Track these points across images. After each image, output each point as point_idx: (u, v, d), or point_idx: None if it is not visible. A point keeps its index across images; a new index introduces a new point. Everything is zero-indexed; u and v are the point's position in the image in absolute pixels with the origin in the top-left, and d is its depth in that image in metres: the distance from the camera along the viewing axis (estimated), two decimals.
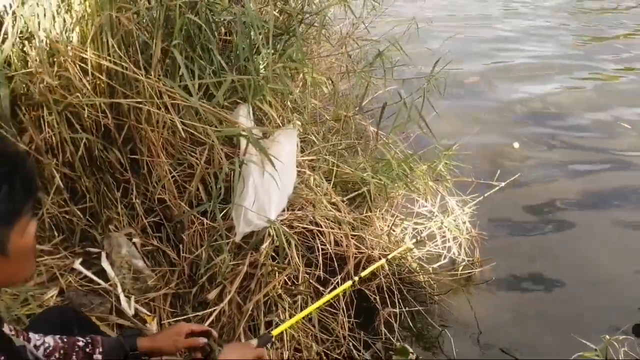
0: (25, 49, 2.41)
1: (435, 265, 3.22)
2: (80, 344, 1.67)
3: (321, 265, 2.59)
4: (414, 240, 3.09)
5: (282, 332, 2.41)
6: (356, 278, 2.42)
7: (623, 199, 4.16)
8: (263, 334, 2.01)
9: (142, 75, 2.33)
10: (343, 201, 2.87)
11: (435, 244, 3.28)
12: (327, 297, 2.28)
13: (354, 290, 2.74)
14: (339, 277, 2.64)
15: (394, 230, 3.13)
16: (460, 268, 3.26)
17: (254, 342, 1.86)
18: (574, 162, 4.69)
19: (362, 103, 3.06)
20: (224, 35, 2.72)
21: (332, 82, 3.11)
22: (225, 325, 2.42)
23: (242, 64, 2.57)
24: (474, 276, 3.30)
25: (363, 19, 3.42)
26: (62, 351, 1.61)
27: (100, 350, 1.69)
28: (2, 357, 1.15)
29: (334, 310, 2.64)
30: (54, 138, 2.42)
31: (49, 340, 1.60)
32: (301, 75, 2.83)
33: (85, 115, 2.42)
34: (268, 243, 2.44)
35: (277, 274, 2.42)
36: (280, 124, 2.74)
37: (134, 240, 2.57)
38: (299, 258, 2.49)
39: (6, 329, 1.34)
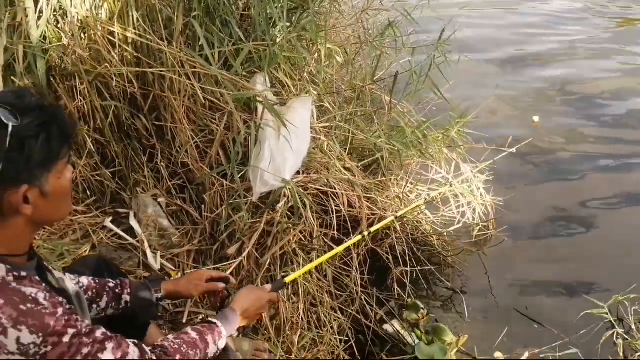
0: (59, 24, 2.60)
1: (450, 229, 3.34)
2: (111, 284, 1.84)
3: (335, 226, 2.72)
4: (426, 199, 3.20)
5: (297, 286, 2.59)
6: (366, 232, 2.56)
7: None
8: (277, 280, 2.19)
9: (165, 47, 2.51)
10: (358, 167, 3.01)
11: (449, 209, 3.40)
12: (340, 248, 2.43)
13: (367, 250, 2.88)
14: (353, 238, 2.79)
15: (408, 196, 3.26)
16: (475, 232, 3.38)
17: (268, 286, 2.03)
18: (589, 126, 4.78)
19: (375, 73, 3.17)
20: (243, 10, 2.87)
21: (347, 52, 3.23)
22: (244, 279, 2.59)
23: (260, 35, 2.72)
24: (488, 239, 3.41)
25: None
26: (94, 290, 1.78)
27: (128, 291, 1.87)
28: (60, 298, 1.30)
29: (348, 268, 2.79)
30: (85, 106, 2.62)
31: (83, 279, 1.77)
32: (316, 46, 2.96)
33: (114, 85, 2.62)
34: (283, 202, 2.60)
35: (292, 230, 2.57)
36: (297, 94, 2.89)
37: (160, 200, 2.76)
38: (313, 217, 2.63)
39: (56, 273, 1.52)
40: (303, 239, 2.66)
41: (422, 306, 2.86)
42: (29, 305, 1.21)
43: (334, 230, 2.72)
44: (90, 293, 1.77)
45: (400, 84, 3.30)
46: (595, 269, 3.27)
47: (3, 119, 1.18)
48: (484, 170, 3.54)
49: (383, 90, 3.42)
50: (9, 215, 1.26)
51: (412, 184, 3.29)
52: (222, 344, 1.70)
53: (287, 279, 2.15)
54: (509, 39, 6.51)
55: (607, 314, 2.84)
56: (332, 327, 2.64)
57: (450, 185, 3.33)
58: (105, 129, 2.70)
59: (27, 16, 2.42)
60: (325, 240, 2.72)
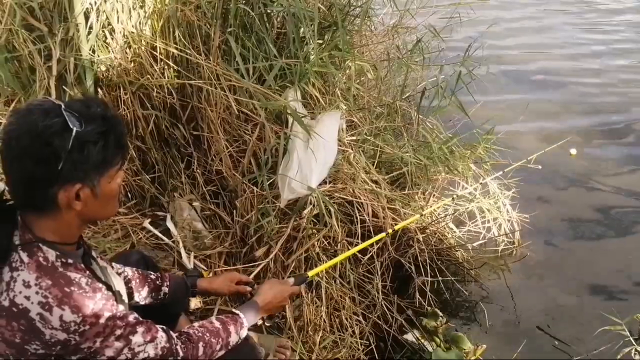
0: (107, 39, 2.81)
1: (474, 244, 3.41)
2: (152, 276, 2.02)
3: (359, 235, 2.83)
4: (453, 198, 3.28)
5: (320, 289, 2.71)
6: (390, 230, 2.67)
7: None
8: (300, 274, 2.30)
9: (203, 61, 2.70)
10: (384, 179, 3.12)
11: (475, 224, 3.47)
12: (362, 245, 2.54)
13: (391, 259, 2.99)
14: (376, 246, 2.90)
15: (434, 211, 3.35)
16: (500, 247, 3.44)
17: (291, 280, 2.16)
18: (622, 154, 4.73)
19: (403, 89, 3.29)
20: (279, 28, 3.04)
21: (376, 68, 3.36)
22: (268, 279, 2.74)
23: (293, 51, 2.87)
24: (512, 254, 3.47)
25: (410, 10, 3.62)
26: (137, 280, 1.95)
27: (167, 284, 2.05)
28: (100, 284, 1.45)
29: (370, 275, 2.90)
30: (128, 115, 2.81)
31: (128, 270, 1.94)
32: (347, 62, 3.10)
33: (155, 96, 2.81)
34: (309, 209, 2.73)
35: (316, 235, 2.71)
36: (327, 108, 3.03)
37: (195, 205, 2.93)
38: (337, 225, 2.75)
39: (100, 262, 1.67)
40: (327, 245, 2.79)
41: (441, 315, 2.94)
42: (72, 288, 1.36)
43: (358, 239, 2.82)
44: (134, 282, 1.93)
45: (429, 100, 3.41)
46: (617, 285, 3.30)
47: (69, 123, 1.33)
48: (510, 186, 3.60)
49: (412, 106, 3.53)
50: (62, 209, 1.40)
51: (437, 197, 3.38)
52: (243, 334, 1.82)
53: (310, 273, 2.26)
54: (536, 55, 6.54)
55: (625, 331, 2.86)
56: (353, 331, 2.74)
57: (475, 201, 3.40)
58: (146, 136, 2.90)
59: (78, 31, 2.63)
60: (349, 247, 2.82)
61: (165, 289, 2.04)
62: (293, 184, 2.70)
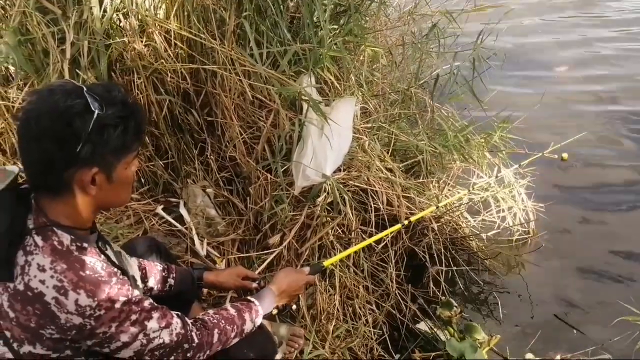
0: (121, 22, 2.78)
1: (489, 234, 3.38)
2: (159, 267, 2.01)
3: (374, 223, 2.81)
4: (469, 190, 3.25)
5: (334, 278, 2.69)
6: (406, 222, 2.64)
7: None
8: (315, 263, 2.28)
9: (217, 45, 2.66)
10: (399, 167, 3.09)
11: (489, 213, 3.44)
12: (378, 236, 2.52)
13: (405, 248, 2.97)
14: (390, 235, 2.87)
15: (447, 197, 3.32)
16: (515, 236, 3.41)
17: (306, 269, 2.15)
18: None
19: (418, 76, 3.25)
20: (293, 12, 3.00)
21: (391, 53, 3.32)
22: (284, 268, 2.72)
23: (308, 36, 2.83)
24: (527, 244, 3.44)
25: None
26: (144, 271, 1.94)
27: (174, 276, 2.04)
28: (115, 269, 1.44)
29: (384, 264, 2.88)
30: (142, 99, 2.78)
31: (134, 260, 1.91)
32: (362, 47, 3.06)
33: (169, 80, 2.78)
34: (323, 197, 2.71)
35: (330, 223, 2.68)
36: (342, 94, 3.00)
37: (208, 191, 2.91)
38: (352, 213, 2.73)
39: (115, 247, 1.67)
40: (341, 233, 2.77)
41: (455, 304, 2.92)
42: (87, 272, 1.35)
43: (372, 227, 2.81)
44: (140, 273, 1.91)
45: (444, 87, 3.37)
46: (635, 275, 3.26)
47: (91, 106, 1.32)
48: (525, 175, 3.57)
49: (426, 94, 3.49)
50: (76, 192, 1.39)
51: (452, 186, 3.34)
52: (258, 321, 1.81)
53: (326, 263, 2.25)
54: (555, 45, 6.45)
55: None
56: (366, 320, 2.73)
57: (490, 190, 3.36)
58: (159, 122, 2.87)
59: (92, 14, 2.59)
60: (364, 236, 2.81)
61: (171, 281, 2.03)
62: (307, 171, 2.67)
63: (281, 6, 2.72)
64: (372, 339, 2.70)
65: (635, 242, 3.50)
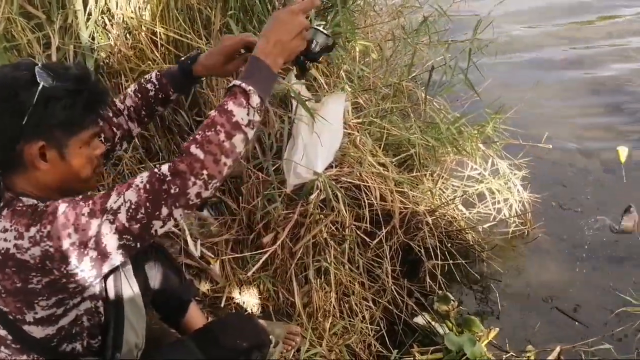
0: (106, 25, 2.77)
1: (485, 226, 3.37)
2: (151, 93, 1.79)
3: (367, 219, 2.80)
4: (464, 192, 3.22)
5: (329, 275, 2.67)
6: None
7: None
8: None
9: (204, 45, 2.64)
10: (392, 162, 3.07)
11: (485, 205, 3.42)
12: None
13: (400, 243, 2.95)
14: (385, 230, 2.86)
15: (443, 191, 3.31)
16: (511, 228, 3.39)
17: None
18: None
19: (410, 69, 3.23)
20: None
21: (381, 48, 3.30)
22: (278, 267, 2.71)
23: None
24: (524, 236, 3.42)
25: None
26: (144, 107, 1.81)
27: (172, 90, 1.80)
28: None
29: (380, 260, 2.87)
30: None
31: (127, 101, 1.81)
32: (351, 43, 3.04)
33: None
34: (316, 194, 2.69)
35: (323, 220, 2.67)
36: (332, 90, 2.98)
37: None
38: (345, 209, 2.71)
39: None
40: (335, 230, 2.75)
41: (452, 298, 2.91)
42: (41, 212, 1.32)
43: (366, 223, 2.79)
44: (143, 111, 1.81)
45: (436, 80, 3.35)
46: (633, 266, 3.24)
47: (38, 78, 1.32)
48: (521, 167, 3.55)
49: (418, 87, 3.47)
50: (29, 167, 1.38)
51: (446, 179, 3.33)
52: (255, 101, 1.38)
53: None
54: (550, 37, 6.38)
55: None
56: (363, 316, 2.72)
57: (484, 182, 3.35)
58: (149, 124, 2.84)
59: (77, 18, 2.58)
60: (358, 232, 2.80)
61: (173, 96, 1.81)
62: (299, 169, 2.65)
63: (267, 4, 2.69)
64: (369, 335, 2.69)
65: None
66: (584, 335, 2.81)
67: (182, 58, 1.87)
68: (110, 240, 1.31)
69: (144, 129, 1.98)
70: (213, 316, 2.55)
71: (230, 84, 1.40)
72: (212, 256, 2.75)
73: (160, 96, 1.80)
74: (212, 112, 1.38)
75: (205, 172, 1.32)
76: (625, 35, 6.22)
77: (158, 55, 2.72)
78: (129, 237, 1.32)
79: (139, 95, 1.81)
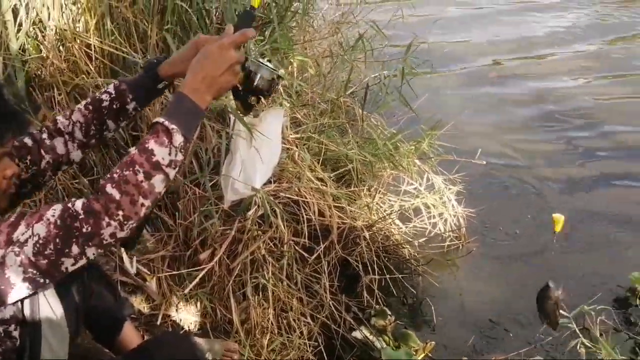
0: (38, 37, 2.70)
1: (421, 240, 3.42)
2: (106, 103, 1.65)
3: (306, 234, 2.80)
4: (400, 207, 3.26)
5: (267, 292, 2.66)
6: None
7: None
8: (242, 12, 1.65)
9: (140, 59, 2.61)
10: (330, 177, 3.09)
11: (421, 219, 3.48)
12: None
13: (338, 258, 2.96)
14: (323, 245, 2.87)
15: (380, 206, 3.35)
16: (446, 242, 3.46)
17: (230, 28, 1.54)
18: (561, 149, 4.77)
19: (347, 85, 3.27)
20: (218, 24, 2.97)
21: (318, 64, 3.33)
22: (216, 284, 2.68)
23: None
24: (459, 249, 3.49)
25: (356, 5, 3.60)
26: (94, 120, 1.67)
27: (131, 97, 1.68)
28: None
29: (318, 275, 2.87)
30: None
31: (76, 115, 1.66)
32: (289, 59, 3.06)
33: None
34: (254, 210, 2.68)
35: (261, 237, 2.66)
36: (270, 105, 2.98)
37: None
38: (283, 225, 2.71)
39: None
40: (273, 246, 2.74)
41: (389, 313, 2.93)
42: None
43: (304, 238, 2.80)
44: (93, 127, 1.69)
45: (373, 96, 3.40)
46: (564, 278, 3.31)
47: None
48: (455, 182, 3.63)
49: (356, 103, 3.52)
50: None
51: (383, 194, 3.37)
52: (177, 141, 1.33)
53: (254, 2, 1.60)
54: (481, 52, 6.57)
55: (572, 324, 2.89)
56: (301, 332, 2.71)
57: (420, 197, 3.41)
58: (95, 146, 2.78)
59: (6, 29, 2.51)
60: (296, 248, 2.80)
61: (131, 105, 1.70)
62: (236, 185, 2.63)
63: (205, 18, 2.68)
64: (307, 351, 2.68)
65: (568, 243, 3.61)
66: (518, 345, 2.87)
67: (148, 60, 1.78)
68: (14, 274, 1.23)
69: (86, 153, 1.83)
70: (149, 334, 2.50)
71: (154, 121, 1.35)
72: (148, 273, 2.70)
73: (114, 106, 1.67)
74: (132, 150, 1.32)
75: (120, 212, 1.26)
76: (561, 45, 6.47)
77: (92, 68, 2.67)
78: (34, 271, 1.24)
79: (90, 108, 1.67)
